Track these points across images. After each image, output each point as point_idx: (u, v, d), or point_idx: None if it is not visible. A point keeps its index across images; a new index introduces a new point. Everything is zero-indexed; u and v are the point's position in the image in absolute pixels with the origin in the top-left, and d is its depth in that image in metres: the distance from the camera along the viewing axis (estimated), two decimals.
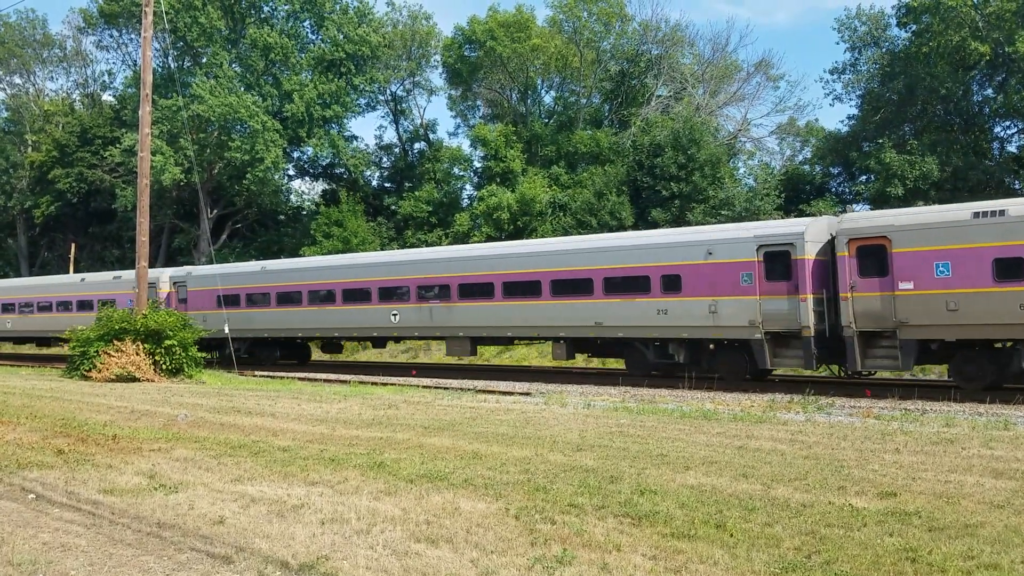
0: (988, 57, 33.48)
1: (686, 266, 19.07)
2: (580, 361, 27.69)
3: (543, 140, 44.53)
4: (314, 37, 47.68)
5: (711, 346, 19.64)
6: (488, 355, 31.12)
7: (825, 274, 17.66)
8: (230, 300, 28.68)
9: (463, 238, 39.93)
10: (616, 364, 26.31)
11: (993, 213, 15.61)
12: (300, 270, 27.95)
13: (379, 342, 28.32)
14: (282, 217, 51.46)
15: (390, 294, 24.73)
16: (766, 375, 19.81)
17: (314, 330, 27.23)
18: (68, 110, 56.04)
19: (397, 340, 28.32)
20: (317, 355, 32.68)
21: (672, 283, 19.28)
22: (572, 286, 20.91)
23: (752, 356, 18.41)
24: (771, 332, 17.85)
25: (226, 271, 30.53)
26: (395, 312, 24.33)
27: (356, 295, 25.60)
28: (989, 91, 36.47)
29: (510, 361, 30.21)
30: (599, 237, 22.81)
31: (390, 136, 54.44)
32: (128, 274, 33.22)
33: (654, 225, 32.73)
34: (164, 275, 32.14)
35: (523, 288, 21.81)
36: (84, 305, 34.31)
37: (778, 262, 17.84)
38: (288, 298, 27.60)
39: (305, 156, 51.00)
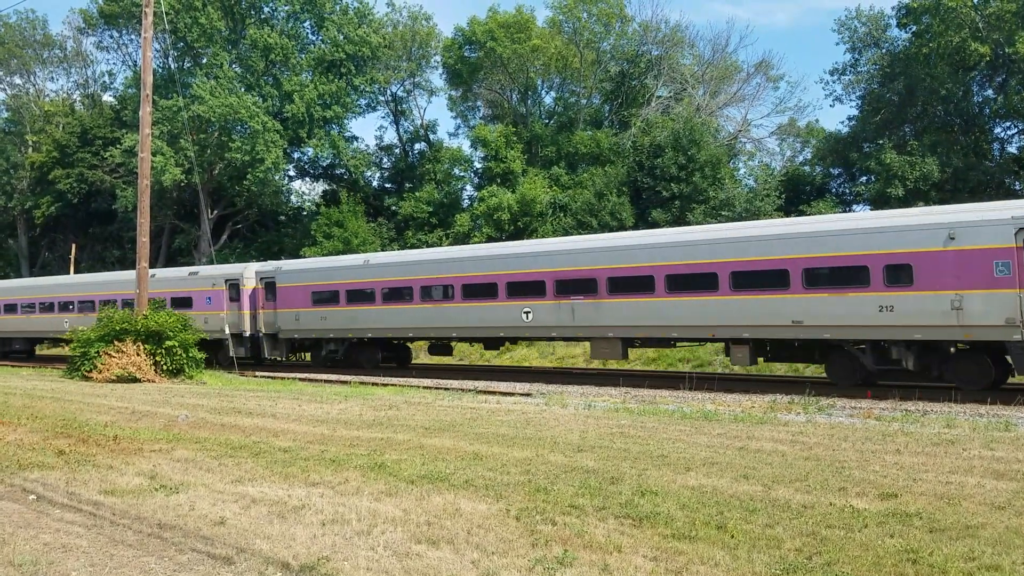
0: (988, 58, 33.50)
1: (919, 254, 16.20)
2: (580, 361, 27.58)
3: (543, 141, 44.56)
4: (314, 38, 47.71)
5: (952, 349, 16.83)
6: (488, 355, 31.05)
7: None
8: (327, 297, 26.60)
9: (463, 239, 39.96)
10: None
11: None
12: (411, 263, 25.21)
13: (492, 343, 25.67)
14: (282, 218, 51.49)
15: (522, 289, 22.00)
16: (1003, 383, 17.12)
17: (427, 330, 24.50)
18: (68, 111, 56.08)
19: (517, 341, 25.59)
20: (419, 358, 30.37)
21: (899, 274, 16.46)
22: (760, 279, 18.07)
23: (1002, 360, 15.97)
24: None
25: (324, 265, 28.35)
26: (527, 310, 21.72)
27: (480, 291, 22.92)
28: (989, 92, 36.50)
29: (510, 362, 30.19)
30: (798, 221, 19.66)
31: (390, 137, 54.65)
32: (207, 270, 31.42)
33: (654, 226, 32.66)
34: (249, 270, 29.65)
35: (693, 281, 19.02)
36: (156, 303, 31.80)
37: None
38: (396, 294, 24.87)
39: (305, 157, 51.08)
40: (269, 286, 28.33)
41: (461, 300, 23.27)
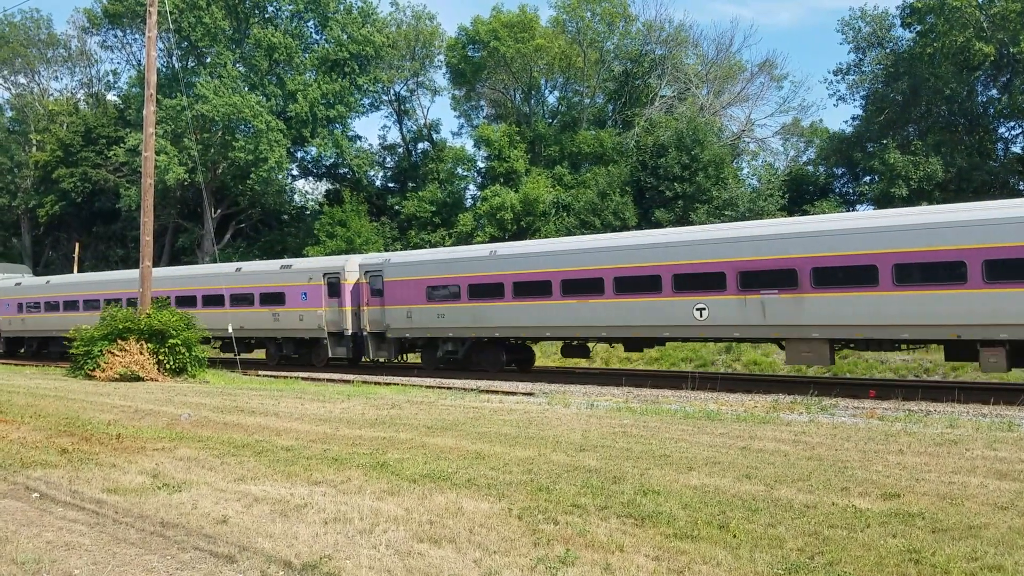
0: (993, 58, 33.47)
1: None
2: (583, 361, 27.37)
3: (546, 140, 44.58)
4: (318, 37, 47.83)
5: None
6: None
7: None
8: (446, 292, 23.86)
9: (466, 238, 39.98)
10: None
11: None
12: (549, 254, 22.20)
13: (634, 344, 22.42)
14: (286, 217, 51.61)
15: (693, 282, 19.09)
16: None
17: (569, 329, 21.68)
18: (72, 110, 56.26)
19: (660, 343, 22.36)
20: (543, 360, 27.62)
21: None
22: None
23: None
24: None
25: (442, 257, 25.38)
26: (701, 306, 18.85)
27: (638, 284, 19.99)
28: (994, 92, 36.48)
29: None
30: None
31: (394, 136, 54.67)
32: (303, 263, 28.90)
33: (657, 225, 32.64)
34: (351, 263, 26.83)
35: (932, 272, 16.09)
36: (241, 300, 28.54)
37: None
38: (530, 289, 22.02)
39: (309, 156, 51.21)
40: (375, 280, 25.66)
41: (613, 295, 20.40)
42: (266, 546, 6.38)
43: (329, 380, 23.48)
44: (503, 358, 23.95)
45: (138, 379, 21.42)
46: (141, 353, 21.98)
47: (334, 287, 26.51)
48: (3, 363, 34.15)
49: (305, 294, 26.83)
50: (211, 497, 7.99)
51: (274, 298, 27.65)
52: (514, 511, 7.16)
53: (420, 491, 7.98)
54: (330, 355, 26.90)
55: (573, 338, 22.56)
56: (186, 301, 29.55)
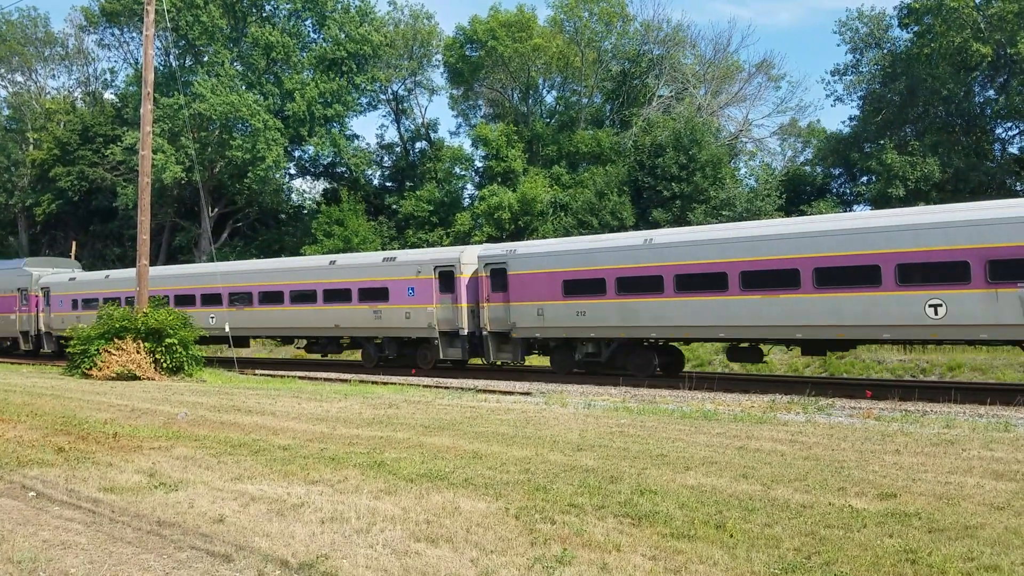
0: (990, 58, 33.53)
1: None
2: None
3: (544, 140, 44.60)
4: (316, 36, 47.83)
5: None
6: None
7: None
8: (587, 286, 21.20)
9: (464, 238, 39.97)
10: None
11: None
12: (724, 242, 19.06)
13: (814, 348, 19.29)
14: (283, 216, 51.60)
15: (926, 273, 16.10)
16: None
17: (752, 329, 18.64)
18: (70, 108, 56.18)
19: (868, 344, 19.32)
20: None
21: None
22: None
23: None
24: None
25: (581, 247, 22.36)
26: (936, 302, 15.87)
27: (845, 276, 17.01)
28: (991, 92, 36.57)
29: None
30: None
31: (391, 135, 54.66)
32: (409, 255, 26.26)
33: (655, 226, 32.69)
34: (467, 254, 24.22)
35: None
36: (336, 295, 26.25)
37: None
38: (699, 282, 19.19)
39: (306, 155, 51.22)
40: (497, 273, 23.12)
41: (812, 290, 17.45)
42: (263, 545, 6.37)
43: (326, 379, 23.47)
44: (655, 361, 21.30)
45: (135, 378, 21.41)
46: (138, 352, 21.98)
47: (447, 281, 23.98)
48: (0, 361, 34.09)
49: (412, 289, 24.49)
50: (208, 496, 7.98)
51: (375, 294, 25.30)
52: (511, 510, 7.16)
53: (417, 490, 7.98)
54: (441, 356, 24.57)
55: (755, 339, 19.45)
56: (271, 298, 28.05)
